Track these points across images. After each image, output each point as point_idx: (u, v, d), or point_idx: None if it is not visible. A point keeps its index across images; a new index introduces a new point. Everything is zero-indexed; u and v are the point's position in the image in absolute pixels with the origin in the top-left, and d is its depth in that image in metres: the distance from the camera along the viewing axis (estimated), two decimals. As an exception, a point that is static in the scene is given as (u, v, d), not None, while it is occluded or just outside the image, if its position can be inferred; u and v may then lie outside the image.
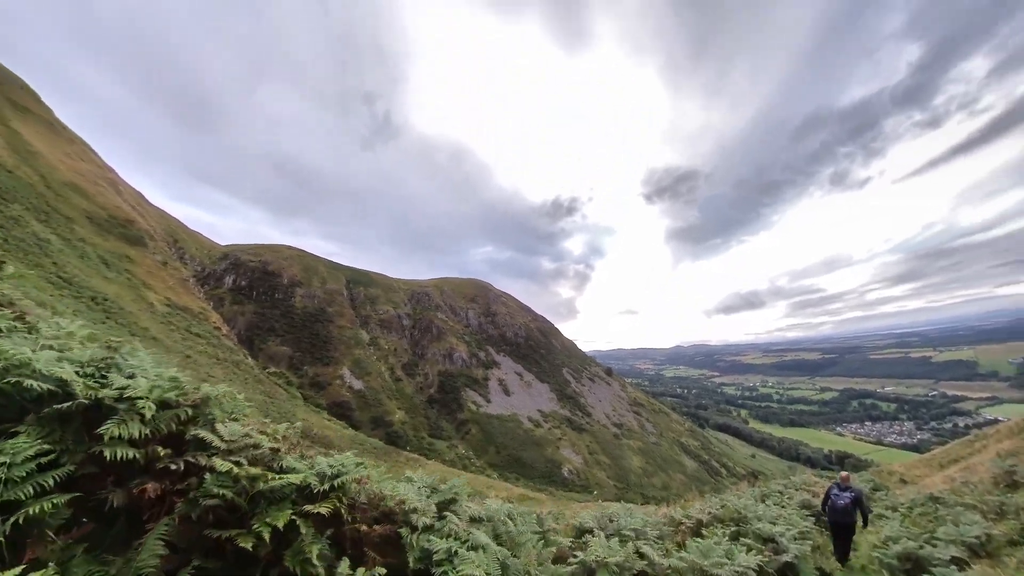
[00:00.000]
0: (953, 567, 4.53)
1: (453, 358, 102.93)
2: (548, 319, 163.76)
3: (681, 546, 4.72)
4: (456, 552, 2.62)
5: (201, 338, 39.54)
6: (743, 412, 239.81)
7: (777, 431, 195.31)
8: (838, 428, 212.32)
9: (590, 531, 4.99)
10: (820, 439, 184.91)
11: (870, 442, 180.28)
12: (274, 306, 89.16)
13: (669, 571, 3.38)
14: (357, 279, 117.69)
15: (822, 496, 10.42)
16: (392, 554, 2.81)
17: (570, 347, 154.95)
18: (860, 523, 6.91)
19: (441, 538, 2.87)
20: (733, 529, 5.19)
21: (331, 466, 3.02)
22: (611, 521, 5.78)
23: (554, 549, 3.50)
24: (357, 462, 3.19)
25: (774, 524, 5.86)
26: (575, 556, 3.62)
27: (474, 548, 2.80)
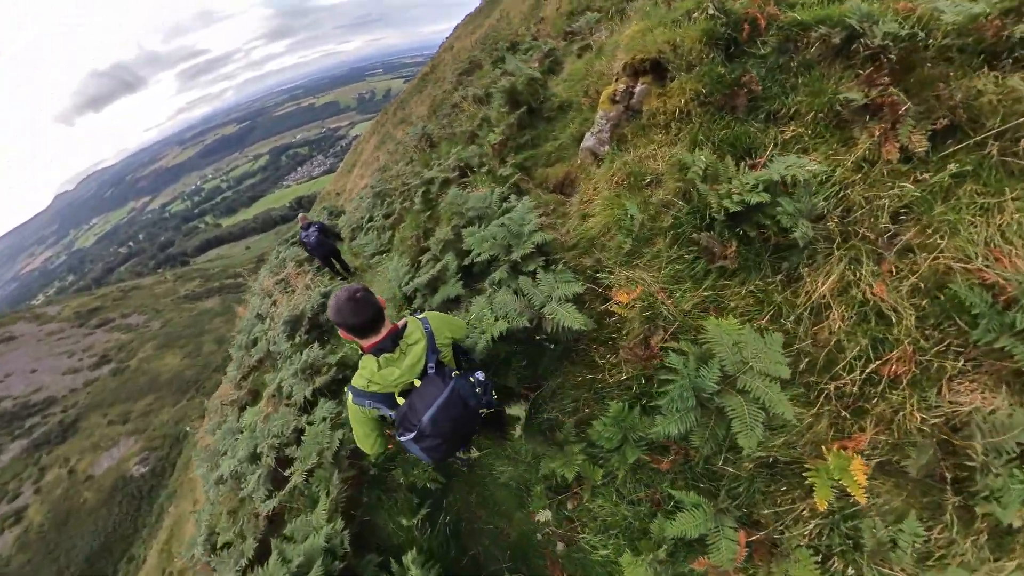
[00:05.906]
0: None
1: None
2: None
3: None
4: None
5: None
6: (208, 219, 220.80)
7: (247, 214, 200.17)
8: (284, 182, 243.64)
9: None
10: (279, 198, 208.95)
11: (307, 181, 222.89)
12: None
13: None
14: None
15: (302, 291, 9.63)
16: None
17: None
18: (339, 244, 7.59)
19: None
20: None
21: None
22: None
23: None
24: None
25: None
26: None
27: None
